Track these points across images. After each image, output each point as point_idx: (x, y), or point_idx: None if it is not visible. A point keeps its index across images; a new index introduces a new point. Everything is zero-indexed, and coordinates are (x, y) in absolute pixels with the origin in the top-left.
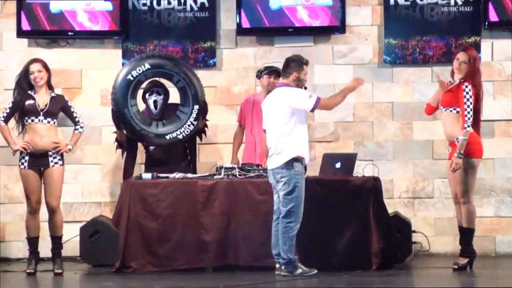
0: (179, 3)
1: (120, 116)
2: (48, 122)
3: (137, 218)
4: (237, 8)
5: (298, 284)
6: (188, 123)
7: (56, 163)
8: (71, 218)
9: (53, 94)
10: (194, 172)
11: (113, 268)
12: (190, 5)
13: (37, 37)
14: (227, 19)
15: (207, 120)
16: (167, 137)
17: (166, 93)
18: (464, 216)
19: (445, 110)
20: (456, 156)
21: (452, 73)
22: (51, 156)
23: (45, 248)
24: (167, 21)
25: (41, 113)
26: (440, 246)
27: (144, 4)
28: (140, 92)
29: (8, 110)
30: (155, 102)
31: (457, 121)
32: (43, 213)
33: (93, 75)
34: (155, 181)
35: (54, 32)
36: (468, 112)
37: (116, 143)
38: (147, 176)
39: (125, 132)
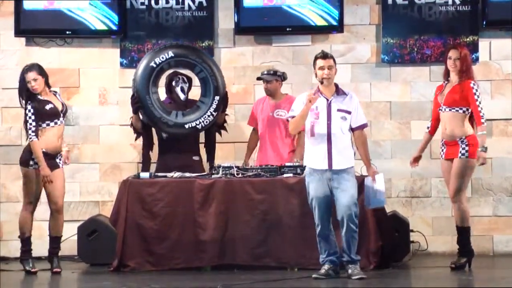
0: (177, 2)
1: (140, 102)
2: (62, 122)
3: (135, 217)
4: (235, 7)
5: (296, 284)
6: (208, 113)
7: (61, 164)
8: (69, 217)
9: (57, 95)
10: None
11: (111, 267)
12: (188, 4)
13: (35, 36)
14: (225, 18)
15: (226, 114)
16: (186, 126)
17: (190, 82)
18: (457, 215)
19: (450, 110)
20: (481, 151)
21: (446, 74)
22: (57, 157)
23: (42, 247)
24: (165, 20)
25: (61, 115)
26: (438, 245)
27: (142, 3)
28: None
29: (34, 123)
30: (182, 88)
31: (462, 121)
32: (42, 213)
33: (91, 74)
34: (153, 180)
35: (52, 31)
36: (482, 108)
37: (131, 128)
38: (145, 175)
39: (141, 117)
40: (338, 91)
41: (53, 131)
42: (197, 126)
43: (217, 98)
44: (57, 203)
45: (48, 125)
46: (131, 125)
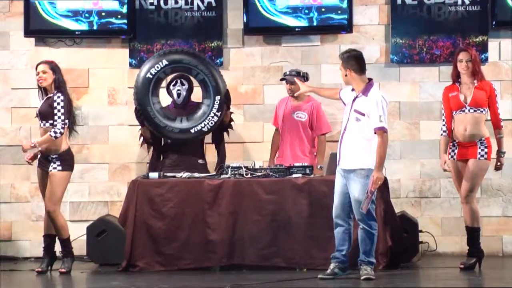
0: (186, 3)
1: (143, 114)
2: (44, 125)
3: (144, 218)
4: (244, 8)
5: (305, 284)
6: (212, 114)
7: (55, 168)
8: (78, 217)
9: (50, 95)
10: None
11: (120, 267)
12: (197, 5)
13: (44, 36)
14: (234, 19)
15: (232, 112)
16: (192, 130)
17: (190, 83)
18: (469, 216)
19: (474, 111)
20: (502, 156)
21: (455, 76)
22: (50, 160)
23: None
24: (174, 21)
25: (38, 118)
26: (447, 246)
27: (151, 4)
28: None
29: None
30: (178, 91)
31: (482, 122)
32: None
33: (100, 74)
34: (161, 180)
35: (61, 31)
36: (499, 112)
37: (141, 139)
38: (154, 175)
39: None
40: (363, 91)
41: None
42: (203, 128)
43: (218, 97)
44: (44, 204)
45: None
46: (141, 136)
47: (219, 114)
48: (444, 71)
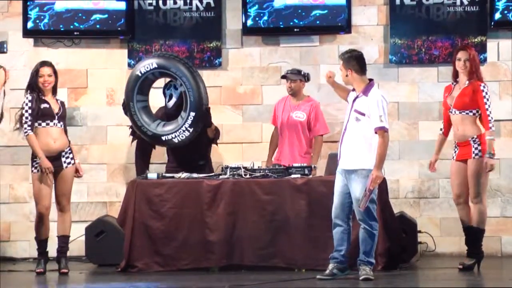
0: (185, 3)
1: (127, 109)
2: (61, 125)
3: (143, 218)
4: (242, 8)
5: (303, 285)
6: (183, 128)
7: (69, 163)
8: (77, 217)
9: (59, 100)
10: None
11: (119, 267)
12: (196, 5)
13: (43, 37)
14: (233, 19)
15: (217, 128)
16: (163, 138)
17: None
18: (476, 216)
19: (460, 113)
20: (488, 157)
21: (455, 75)
22: (63, 157)
23: (49, 247)
24: (173, 21)
25: (56, 117)
26: (446, 246)
27: (150, 4)
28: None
29: (30, 118)
30: (170, 95)
31: (473, 122)
32: (52, 213)
33: (98, 74)
34: (160, 181)
35: (60, 31)
36: (490, 112)
37: (130, 131)
38: (153, 176)
39: None
40: (364, 91)
41: (46, 131)
42: (173, 139)
43: (192, 114)
44: (62, 201)
45: (40, 124)
46: (131, 127)
47: (191, 130)
48: (442, 71)
